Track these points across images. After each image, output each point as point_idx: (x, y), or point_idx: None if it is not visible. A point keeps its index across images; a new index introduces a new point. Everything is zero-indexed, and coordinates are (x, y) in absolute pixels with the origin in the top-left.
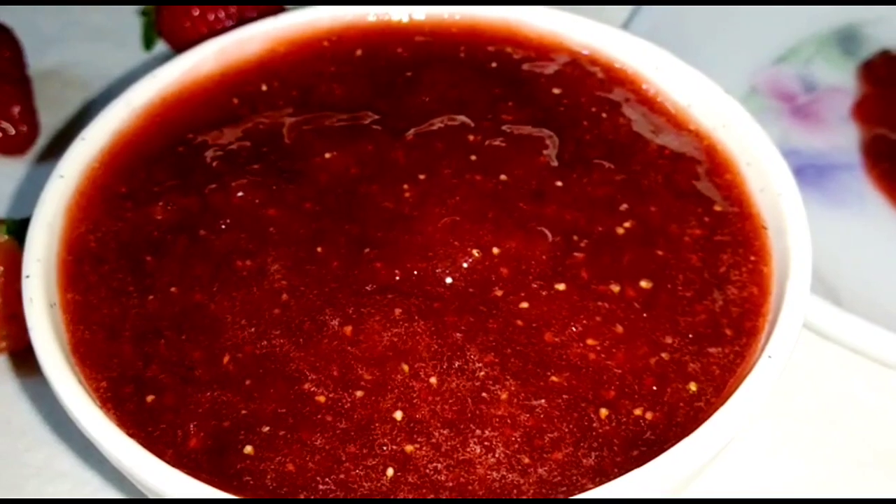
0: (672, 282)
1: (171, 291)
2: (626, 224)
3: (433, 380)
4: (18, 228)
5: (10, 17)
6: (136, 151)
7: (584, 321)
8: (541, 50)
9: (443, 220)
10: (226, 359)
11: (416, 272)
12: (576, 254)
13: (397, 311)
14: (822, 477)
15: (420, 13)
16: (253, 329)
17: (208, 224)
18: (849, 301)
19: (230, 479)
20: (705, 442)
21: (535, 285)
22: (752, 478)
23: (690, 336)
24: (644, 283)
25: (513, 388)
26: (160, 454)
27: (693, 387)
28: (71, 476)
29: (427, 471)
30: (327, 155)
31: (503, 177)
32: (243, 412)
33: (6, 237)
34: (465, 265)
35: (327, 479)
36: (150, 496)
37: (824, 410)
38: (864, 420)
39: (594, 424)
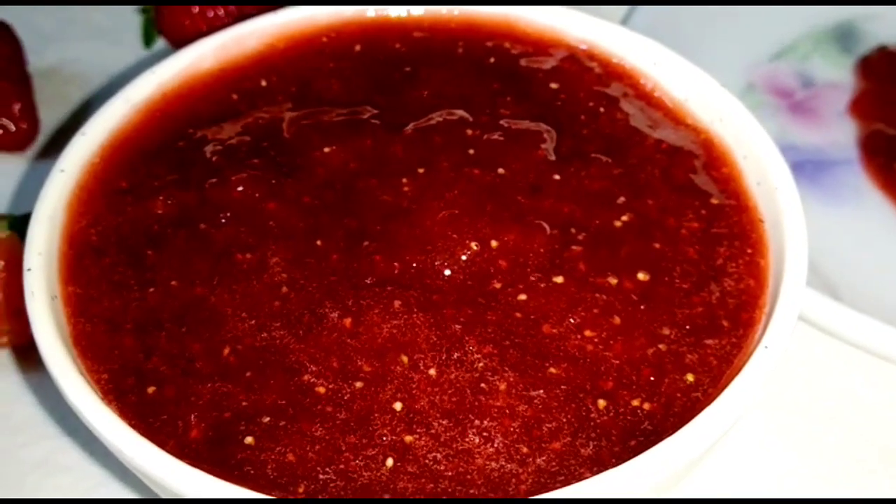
0: (669, 274)
1: (171, 284)
2: (624, 217)
3: (432, 371)
4: (19, 224)
5: (10, 14)
6: (137, 146)
7: (582, 313)
8: (539, 45)
9: (441, 214)
10: (226, 351)
11: (414, 265)
12: (573, 247)
13: (396, 303)
14: (818, 470)
15: (418, 9)
16: (253, 321)
17: (208, 218)
18: (846, 295)
19: (231, 470)
20: (702, 432)
21: (534, 278)
22: (748, 471)
23: (687, 327)
24: (641, 276)
25: (511, 379)
26: (162, 445)
27: (690, 377)
28: (73, 470)
29: (426, 461)
30: (326, 149)
31: (501, 171)
32: (244, 403)
33: (7, 233)
34: (463, 258)
35: (327, 469)
36: (152, 487)
37: (821, 404)
38: (860, 413)
39: (592, 415)
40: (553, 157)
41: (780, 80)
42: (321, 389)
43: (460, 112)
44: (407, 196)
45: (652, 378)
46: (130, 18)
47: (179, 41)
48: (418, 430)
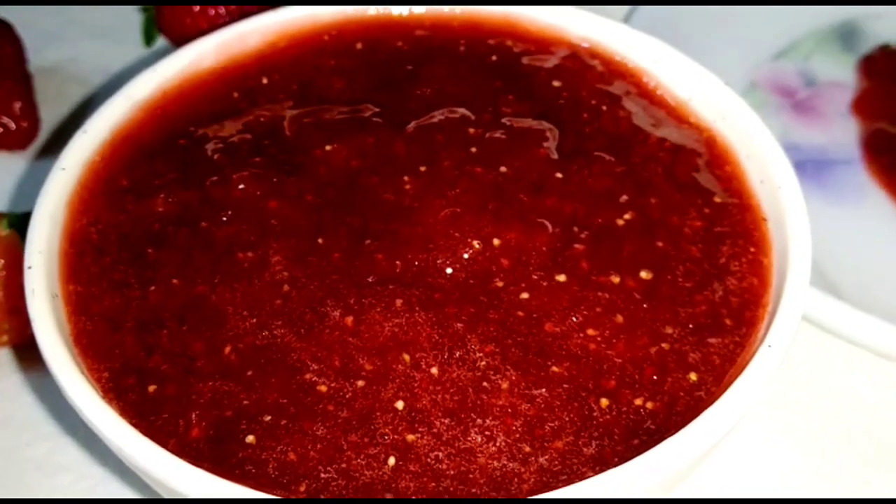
0: (672, 272)
1: (172, 283)
2: (627, 215)
3: (434, 370)
4: (20, 223)
5: (12, 14)
6: (138, 144)
7: (585, 312)
8: (541, 43)
9: (443, 212)
10: (227, 349)
11: (416, 263)
12: (576, 245)
13: (398, 301)
14: (821, 469)
15: (420, 7)
16: (254, 320)
17: (209, 216)
18: (848, 294)
19: (232, 468)
20: (705, 431)
21: (536, 276)
22: (751, 469)
23: (690, 326)
24: (644, 274)
25: (513, 378)
26: (162, 443)
27: (693, 376)
28: (73, 469)
29: (428, 460)
30: (328, 147)
31: (503, 169)
32: (245, 402)
33: (8, 231)
34: (465, 256)
35: (329, 468)
36: (153, 486)
37: (823, 402)
38: (862, 412)
39: (595, 414)
40: (555, 156)
41: (782, 79)
42: (323, 388)
43: (462, 110)
44: (409, 194)
45: (655, 377)
46: (131, 17)
47: (180, 40)
48: (420, 429)
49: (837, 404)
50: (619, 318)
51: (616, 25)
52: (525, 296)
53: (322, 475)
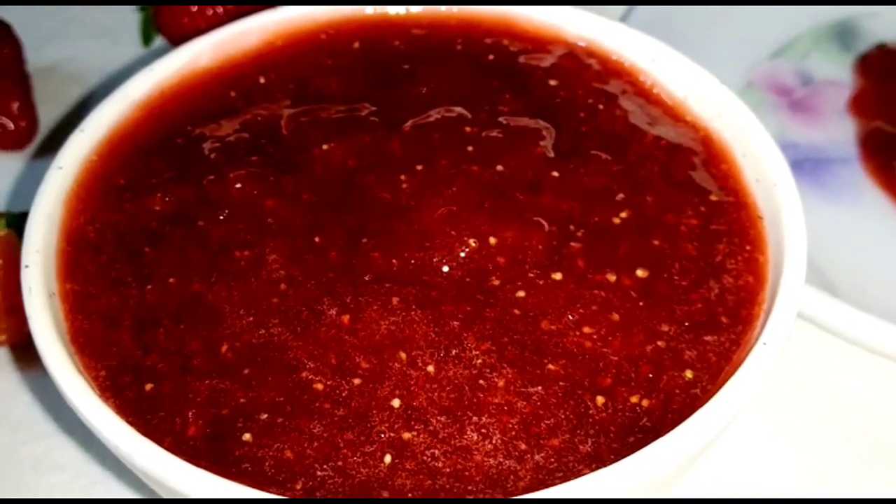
0: (668, 271)
1: (169, 281)
2: (623, 214)
3: (430, 368)
4: (17, 222)
5: (9, 13)
6: (135, 143)
7: (581, 310)
8: (538, 42)
9: (440, 211)
10: (224, 348)
11: (413, 262)
12: (572, 243)
13: (395, 300)
14: (816, 467)
15: (417, 7)
16: (251, 318)
17: (206, 215)
18: (845, 292)
19: (229, 467)
20: (701, 428)
21: (532, 274)
22: (747, 467)
23: (686, 324)
24: (640, 272)
25: (510, 376)
26: (159, 441)
27: (689, 374)
28: (70, 468)
29: (424, 457)
30: (325, 146)
31: (500, 167)
32: (242, 400)
33: (5, 230)
34: (462, 255)
35: (325, 466)
36: (150, 484)
37: (819, 400)
38: (858, 410)
39: (591, 411)
40: (552, 154)
41: (779, 78)
42: (319, 386)
43: (459, 109)
44: (405, 193)
45: (651, 375)
46: (129, 17)
47: (178, 39)
48: (416, 427)
49: (833, 402)
50: (616, 316)
51: (613, 24)
52: (521, 294)
53: (319, 473)
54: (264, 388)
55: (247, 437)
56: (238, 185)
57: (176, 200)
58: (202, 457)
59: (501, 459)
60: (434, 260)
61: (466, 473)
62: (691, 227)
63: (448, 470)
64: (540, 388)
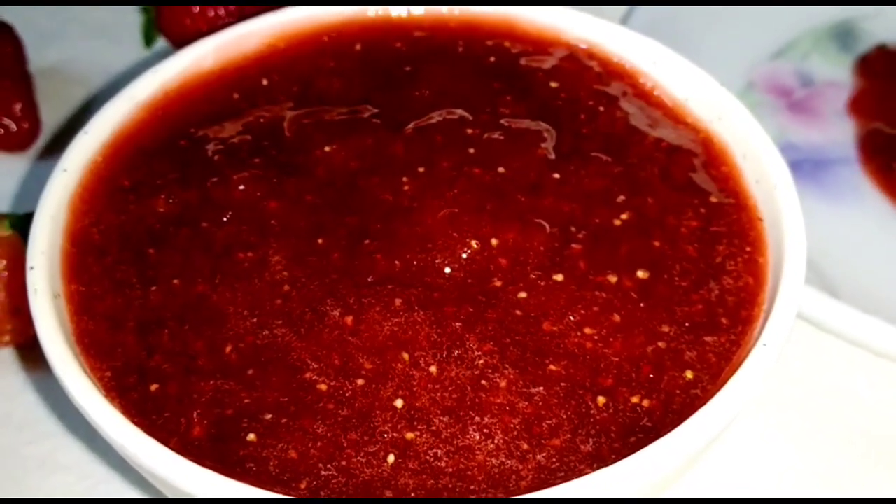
0: (669, 272)
1: (173, 283)
2: (623, 216)
3: (433, 368)
4: (21, 223)
5: (11, 14)
6: (139, 145)
7: (582, 311)
8: (539, 44)
9: (442, 212)
10: (228, 348)
11: (415, 263)
12: (573, 245)
13: (397, 301)
14: (816, 468)
15: (419, 8)
16: (255, 319)
17: (210, 217)
18: (845, 293)
19: (233, 467)
20: (701, 428)
21: (534, 276)
22: (747, 468)
23: (687, 325)
24: (641, 274)
25: (511, 377)
26: (164, 442)
27: (689, 374)
28: (74, 468)
29: (427, 457)
30: (327, 148)
31: (501, 169)
32: (246, 401)
33: (9, 232)
34: (463, 256)
35: (329, 466)
36: (155, 484)
37: (819, 401)
38: (858, 411)
39: (592, 412)
40: (553, 156)
41: (779, 79)
42: (323, 387)
43: (460, 111)
44: (407, 195)
45: (651, 375)
46: (131, 18)
47: (180, 41)
48: (419, 427)
49: (833, 403)
50: (616, 317)
51: (614, 27)
52: (523, 295)
53: (322, 473)
54: (268, 389)
55: (251, 437)
56: (241, 187)
57: (180, 202)
58: (207, 457)
59: (503, 459)
60: (436, 261)
61: (469, 473)
62: (692, 229)
63: (451, 470)
64: (541, 388)
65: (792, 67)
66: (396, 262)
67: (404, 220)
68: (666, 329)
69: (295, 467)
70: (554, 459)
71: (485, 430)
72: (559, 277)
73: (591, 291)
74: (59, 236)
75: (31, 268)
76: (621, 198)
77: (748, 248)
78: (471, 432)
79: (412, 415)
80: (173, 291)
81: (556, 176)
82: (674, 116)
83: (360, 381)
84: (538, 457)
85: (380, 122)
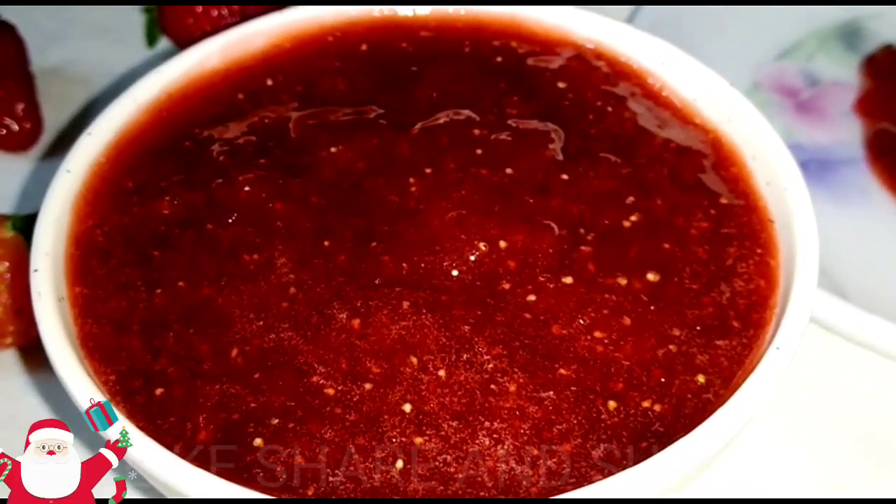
0: (679, 274)
1: (178, 285)
2: (633, 217)
3: (441, 372)
4: (24, 224)
5: (13, 14)
6: (143, 146)
7: (592, 314)
8: (546, 44)
9: (449, 214)
10: (234, 352)
11: (423, 265)
12: (582, 247)
13: (405, 304)
14: (827, 472)
15: (425, 8)
16: (261, 322)
17: (215, 218)
18: (854, 295)
19: (239, 472)
20: (714, 434)
21: (543, 278)
22: (758, 471)
23: (698, 328)
24: (651, 276)
25: (521, 381)
26: (169, 447)
27: (701, 378)
28: None
29: (436, 462)
30: (333, 149)
31: (509, 170)
32: (252, 405)
33: (12, 233)
34: (472, 258)
35: (336, 471)
36: (160, 489)
37: (830, 404)
38: (869, 414)
39: (602, 416)
40: (561, 157)
41: (785, 79)
42: (330, 391)
43: (467, 112)
44: (414, 196)
45: (662, 379)
46: (134, 18)
47: (183, 41)
48: (428, 432)
49: (845, 406)
50: (627, 321)
51: (622, 26)
52: (532, 298)
53: (330, 478)
54: (275, 393)
55: (258, 441)
56: (246, 189)
57: (184, 204)
58: (213, 462)
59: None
60: (444, 264)
61: (478, 479)
62: (702, 231)
63: (460, 475)
64: (551, 392)
65: (798, 67)
66: (404, 264)
67: (411, 221)
68: (677, 332)
69: (302, 472)
70: (564, 465)
71: (494, 435)
72: (568, 280)
73: (601, 294)
74: (63, 238)
75: (35, 270)
76: (630, 199)
77: (759, 251)
78: (480, 437)
79: (421, 419)
80: (178, 294)
81: (565, 177)
82: (682, 117)
83: (368, 386)
84: (548, 462)
85: (386, 123)
